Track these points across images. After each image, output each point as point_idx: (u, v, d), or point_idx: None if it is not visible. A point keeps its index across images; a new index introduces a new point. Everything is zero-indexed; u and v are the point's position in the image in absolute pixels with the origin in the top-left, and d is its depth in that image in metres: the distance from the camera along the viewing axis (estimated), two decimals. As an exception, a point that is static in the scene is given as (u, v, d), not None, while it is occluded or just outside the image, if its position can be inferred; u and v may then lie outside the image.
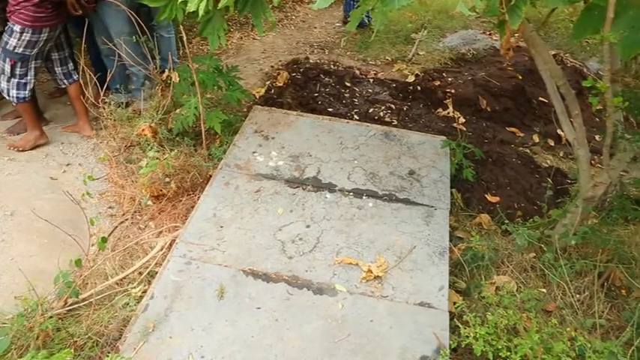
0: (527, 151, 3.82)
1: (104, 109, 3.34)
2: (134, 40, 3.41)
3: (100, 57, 3.81)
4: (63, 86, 3.55)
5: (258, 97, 4.09)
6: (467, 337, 2.26)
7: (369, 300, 2.46)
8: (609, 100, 2.20)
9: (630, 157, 2.45)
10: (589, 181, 2.60)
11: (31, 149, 3.47)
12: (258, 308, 2.39)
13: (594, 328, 2.39)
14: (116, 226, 3.01)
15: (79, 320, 2.35)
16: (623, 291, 2.67)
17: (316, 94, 4.18)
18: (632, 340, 2.04)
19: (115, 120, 3.43)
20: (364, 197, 3.03)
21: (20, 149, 3.43)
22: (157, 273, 2.56)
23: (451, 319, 2.43)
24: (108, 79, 3.50)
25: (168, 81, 3.47)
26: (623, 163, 2.49)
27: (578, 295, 2.56)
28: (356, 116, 3.96)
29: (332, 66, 4.65)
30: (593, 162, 3.56)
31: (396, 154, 3.38)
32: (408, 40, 5.15)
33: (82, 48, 3.53)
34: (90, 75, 3.47)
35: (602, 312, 2.51)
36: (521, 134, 4.00)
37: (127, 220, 3.04)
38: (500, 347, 2.21)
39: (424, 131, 3.77)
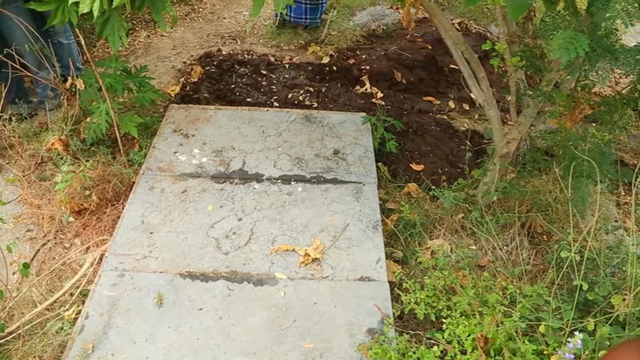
0: (445, 117, 3.96)
1: (5, 126, 3.11)
2: (27, 49, 3.17)
3: None
4: None
5: (173, 95, 3.96)
6: (409, 303, 2.34)
7: (310, 283, 2.48)
8: (508, 61, 2.32)
9: (535, 112, 2.60)
10: (502, 138, 2.73)
11: None
12: (200, 309, 2.34)
13: (523, 274, 2.55)
14: (38, 249, 2.83)
15: (8, 356, 2.21)
16: (544, 236, 2.85)
17: (233, 86, 4.11)
18: (554, 280, 2.19)
19: (19, 137, 3.20)
20: (293, 183, 3.03)
21: None
22: (89, 291, 2.45)
23: (392, 289, 2.49)
24: (5, 93, 3.24)
25: (73, 89, 3.27)
26: (529, 118, 2.63)
27: (505, 247, 2.70)
28: (275, 103, 3.94)
29: (246, 55, 4.58)
30: (505, 120, 3.75)
31: (319, 136, 3.40)
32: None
33: None
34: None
35: (529, 258, 2.68)
36: (438, 102, 4.14)
37: (49, 241, 2.87)
38: (440, 307, 2.31)
39: (344, 110, 3.81)
